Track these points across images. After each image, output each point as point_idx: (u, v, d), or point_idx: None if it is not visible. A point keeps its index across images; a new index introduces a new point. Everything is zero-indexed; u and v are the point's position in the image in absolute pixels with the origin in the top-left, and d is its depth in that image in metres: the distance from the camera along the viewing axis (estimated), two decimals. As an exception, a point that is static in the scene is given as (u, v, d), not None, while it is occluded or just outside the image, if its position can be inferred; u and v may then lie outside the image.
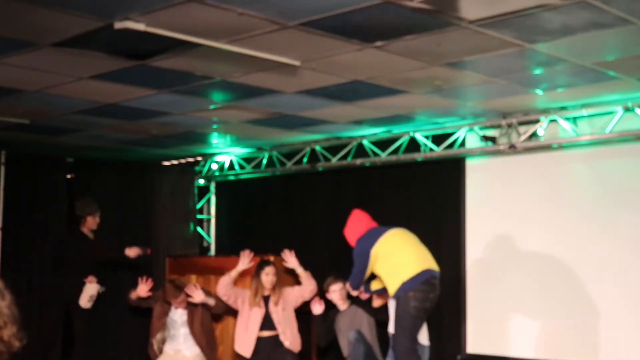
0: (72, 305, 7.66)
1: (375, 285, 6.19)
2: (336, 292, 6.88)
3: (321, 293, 7.00)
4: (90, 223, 7.88)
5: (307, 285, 6.88)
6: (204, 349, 6.96)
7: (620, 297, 6.61)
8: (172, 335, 7.03)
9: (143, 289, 7.08)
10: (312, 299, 7.00)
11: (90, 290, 7.52)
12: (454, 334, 7.42)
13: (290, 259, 6.98)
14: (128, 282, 7.90)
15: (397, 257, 5.79)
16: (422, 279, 5.67)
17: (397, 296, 5.71)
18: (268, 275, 6.82)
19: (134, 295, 7.13)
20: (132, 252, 7.63)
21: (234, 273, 6.98)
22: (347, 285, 6.38)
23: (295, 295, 6.89)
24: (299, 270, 6.93)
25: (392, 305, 6.19)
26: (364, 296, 6.85)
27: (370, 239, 5.94)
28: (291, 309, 6.88)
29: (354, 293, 6.37)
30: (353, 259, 5.99)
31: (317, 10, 4.13)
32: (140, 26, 4.24)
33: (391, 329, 6.17)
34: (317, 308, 6.90)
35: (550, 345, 7.00)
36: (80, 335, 7.68)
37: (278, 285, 6.87)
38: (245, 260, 7.05)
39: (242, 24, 4.30)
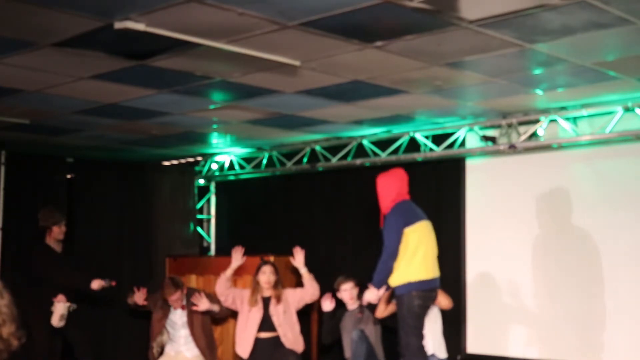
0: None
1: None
2: (346, 291, 6.86)
3: (332, 290, 6.98)
4: (57, 233, 7.41)
5: (309, 288, 6.78)
6: (204, 350, 6.95)
7: (620, 297, 6.61)
8: (172, 337, 7.02)
9: (139, 298, 7.04)
10: (313, 302, 6.98)
11: (60, 310, 7.17)
12: (454, 334, 7.40)
13: (298, 258, 6.81)
14: (126, 284, 7.87)
15: (416, 253, 5.48)
16: (427, 287, 5.51)
17: (399, 293, 5.52)
18: (265, 274, 6.75)
19: (131, 301, 7.12)
20: (96, 284, 7.15)
21: (229, 272, 6.91)
22: (371, 289, 5.58)
23: (297, 297, 6.84)
24: (303, 270, 6.78)
25: None
26: (374, 300, 6.82)
27: (408, 216, 5.50)
28: (293, 310, 6.83)
29: (375, 298, 5.64)
30: (385, 231, 5.48)
31: (317, 10, 4.13)
32: (140, 26, 4.24)
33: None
34: (327, 305, 6.88)
35: (550, 345, 7.00)
36: (80, 341, 7.55)
37: (279, 286, 6.81)
38: (237, 256, 6.97)
39: (242, 24, 4.30)
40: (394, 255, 5.42)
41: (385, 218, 5.56)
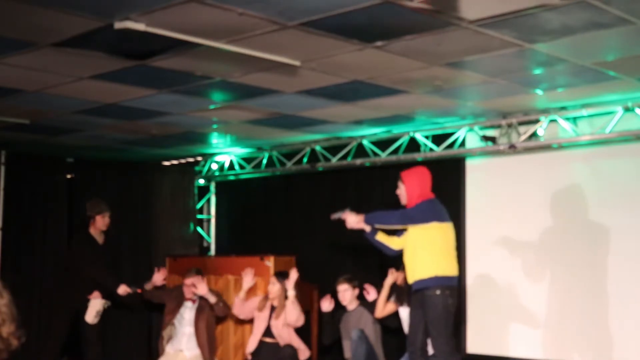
0: (81, 316, 7.37)
1: (381, 237, 5.77)
2: (343, 292, 6.88)
3: (332, 291, 6.99)
4: (100, 223, 7.53)
5: (287, 314, 6.68)
6: (204, 346, 7.02)
7: (620, 296, 6.61)
8: (176, 334, 7.09)
9: (159, 278, 7.23)
10: (297, 326, 6.93)
11: (96, 306, 7.30)
12: (453, 334, 7.39)
13: (291, 277, 6.73)
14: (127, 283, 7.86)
15: (444, 249, 5.48)
16: (453, 283, 5.49)
17: (428, 289, 5.38)
18: (270, 285, 6.98)
19: (149, 286, 7.25)
20: (122, 289, 7.18)
21: (242, 294, 7.11)
22: (358, 216, 5.74)
23: (287, 317, 6.80)
24: (290, 293, 6.67)
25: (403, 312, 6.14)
26: (371, 298, 6.83)
27: (441, 214, 5.54)
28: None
29: (354, 224, 5.74)
30: (402, 212, 5.55)
31: (317, 10, 4.13)
32: (140, 26, 4.24)
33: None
34: (326, 305, 6.90)
35: (550, 345, 7.00)
36: (92, 344, 7.52)
37: (283, 300, 6.83)
38: (248, 279, 7.11)
39: (242, 24, 4.30)
40: (402, 221, 5.51)
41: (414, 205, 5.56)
